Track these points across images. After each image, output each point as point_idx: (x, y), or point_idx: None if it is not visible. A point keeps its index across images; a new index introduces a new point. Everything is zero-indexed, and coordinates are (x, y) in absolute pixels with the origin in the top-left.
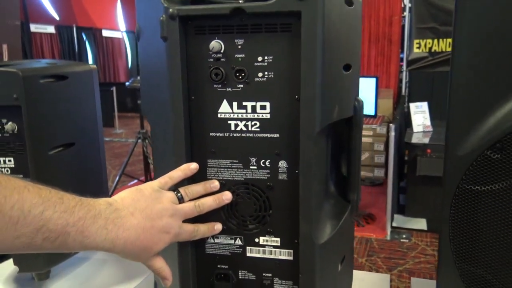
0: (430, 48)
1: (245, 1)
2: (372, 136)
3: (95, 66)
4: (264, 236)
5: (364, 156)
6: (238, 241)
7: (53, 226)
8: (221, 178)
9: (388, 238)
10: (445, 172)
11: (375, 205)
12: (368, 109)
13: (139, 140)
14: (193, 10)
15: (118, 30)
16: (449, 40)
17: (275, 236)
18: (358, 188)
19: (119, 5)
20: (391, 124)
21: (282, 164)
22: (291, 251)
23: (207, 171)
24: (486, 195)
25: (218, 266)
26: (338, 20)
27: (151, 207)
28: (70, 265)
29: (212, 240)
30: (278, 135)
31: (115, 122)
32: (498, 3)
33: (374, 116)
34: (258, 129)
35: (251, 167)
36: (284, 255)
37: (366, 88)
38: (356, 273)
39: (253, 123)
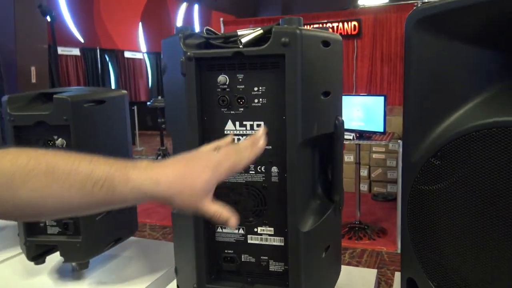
0: None
1: (244, 47)
2: (384, 153)
3: (126, 91)
4: (261, 226)
5: (377, 172)
6: (241, 231)
7: (100, 172)
8: (227, 180)
9: (399, 251)
10: (402, 175)
11: (387, 220)
12: (377, 126)
13: (159, 157)
14: (205, 53)
15: (139, 51)
16: None
17: (270, 226)
18: (340, 191)
19: (140, 27)
20: (399, 141)
21: (274, 169)
22: (282, 238)
23: None
24: (432, 193)
25: (226, 251)
26: (316, 59)
27: (188, 154)
28: (104, 260)
29: (220, 230)
30: (270, 147)
31: (136, 139)
32: (436, 35)
33: (384, 133)
34: None
35: (250, 172)
36: (277, 241)
37: (375, 106)
38: (344, 268)
39: None
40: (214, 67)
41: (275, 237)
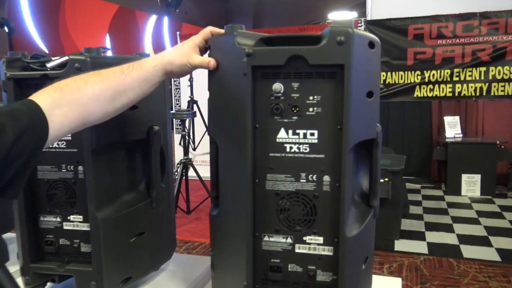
0: (385, 80)
1: (50, 69)
2: None
3: None
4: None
5: None
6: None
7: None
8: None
9: None
10: None
11: None
12: None
13: None
14: (22, 75)
15: None
16: (401, 72)
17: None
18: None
19: (107, 38)
20: None
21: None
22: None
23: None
24: None
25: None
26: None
27: None
28: None
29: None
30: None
31: None
32: None
33: None
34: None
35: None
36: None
37: None
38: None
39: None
40: (30, 86)
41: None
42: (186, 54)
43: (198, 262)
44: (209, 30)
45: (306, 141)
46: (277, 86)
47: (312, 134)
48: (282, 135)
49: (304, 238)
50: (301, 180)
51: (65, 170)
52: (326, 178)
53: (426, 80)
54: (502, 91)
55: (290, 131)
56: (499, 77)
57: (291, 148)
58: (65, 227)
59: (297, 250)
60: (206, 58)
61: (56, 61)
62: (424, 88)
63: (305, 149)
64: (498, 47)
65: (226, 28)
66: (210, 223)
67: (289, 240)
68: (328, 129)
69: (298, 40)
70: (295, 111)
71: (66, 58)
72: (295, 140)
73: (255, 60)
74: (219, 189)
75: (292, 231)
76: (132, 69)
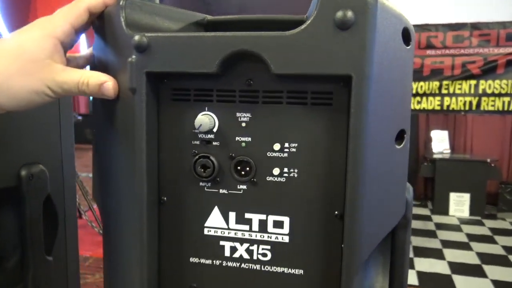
0: None
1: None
2: None
3: None
4: None
5: None
6: None
7: None
8: None
9: None
10: None
11: None
12: None
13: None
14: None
15: None
16: None
17: None
18: None
19: (83, 36)
20: None
21: None
22: None
23: None
24: None
25: None
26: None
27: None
28: None
29: None
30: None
31: None
32: None
33: None
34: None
35: None
36: None
37: None
38: None
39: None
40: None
41: None
42: (40, 69)
43: None
44: (85, 5)
45: (266, 237)
46: (204, 120)
47: (278, 225)
48: (215, 222)
49: None
50: None
51: None
52: None
53: (414, 92)
54: (492, 106)
55: (233, 215)
56: (489, 91)
57: (234, 250)
58: None
59: None
60: (96, 75)
61: None
62: (411, 100)
63: (264, 255)
64: (489, 60)
65: None
66: None
67: None
68: (313, 215)
69: (260, 26)
70: (243, 173)
71: None
72: (242, 234)
73: (154, 61)
74: None
75: None
76: None
